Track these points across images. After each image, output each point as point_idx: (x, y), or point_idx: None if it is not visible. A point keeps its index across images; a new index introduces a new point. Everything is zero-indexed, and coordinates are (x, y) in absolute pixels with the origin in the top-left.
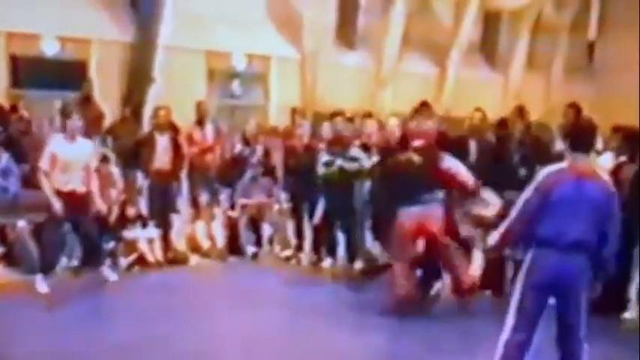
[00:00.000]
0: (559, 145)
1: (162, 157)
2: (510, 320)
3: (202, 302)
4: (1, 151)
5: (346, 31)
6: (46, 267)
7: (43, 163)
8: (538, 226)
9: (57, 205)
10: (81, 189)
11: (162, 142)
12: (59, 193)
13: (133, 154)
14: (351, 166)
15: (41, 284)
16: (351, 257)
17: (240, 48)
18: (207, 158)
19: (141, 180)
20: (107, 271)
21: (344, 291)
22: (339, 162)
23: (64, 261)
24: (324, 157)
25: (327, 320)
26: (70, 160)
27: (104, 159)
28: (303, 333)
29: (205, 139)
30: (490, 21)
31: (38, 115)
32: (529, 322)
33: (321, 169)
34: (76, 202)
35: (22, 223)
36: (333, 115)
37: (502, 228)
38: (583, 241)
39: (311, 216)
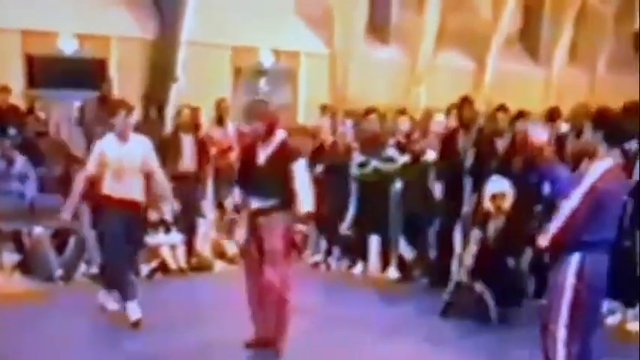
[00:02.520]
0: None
1: (187, 158)
2: (562, 332)
3: (226, 311)
4: (17, 155)
5: (379, 25)
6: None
7: (90, 166)
8: (593, 228)
9: (65, 214)
10: (135, 196)
11: (187, 142)
12: (109, 200)
13: (159, 156)
14: (386, 166)
15: (133, 310)
16: (385, 263)
17: (267, 43)
18: (231, 159)
19: None
20: (104, 297)
21: (376, 299)
22: (373, 163)
23: (83, 267)
24: (358, 158)
25: (357, 329)
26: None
27: None
28: (331, 342)
29: (226, 138)
30: (531, 11)
31: (55, 116)
32: (587, 330)
33: (354, 171)
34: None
35: (39, 230)
36: (366, 113)
37: (554, 228)
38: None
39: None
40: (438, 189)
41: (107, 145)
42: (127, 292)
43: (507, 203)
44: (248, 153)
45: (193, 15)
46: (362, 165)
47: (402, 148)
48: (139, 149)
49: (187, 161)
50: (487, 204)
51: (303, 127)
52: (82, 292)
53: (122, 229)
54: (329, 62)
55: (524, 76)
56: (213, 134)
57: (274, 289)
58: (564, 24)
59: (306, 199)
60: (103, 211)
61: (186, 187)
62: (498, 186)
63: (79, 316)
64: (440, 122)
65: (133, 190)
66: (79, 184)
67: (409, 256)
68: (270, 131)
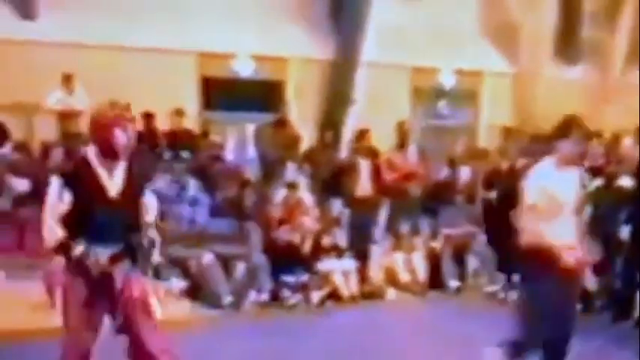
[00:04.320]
0: None
1: (364, 183)
2: None
3: (398, 342)
4: (190, 179)
5: (568, 43)
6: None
7: (529, 210)
8: None
9: None
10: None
11: (365, 167)
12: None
13: (334, 181)
14: None
15: None
16: None
17: (448, 63)
18: (410, 184)
19: (339, 208)
20: None
21: None
22: None
23: (253, 295)
24: None
25: None
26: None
27: (291, 186)
28: None
29: (407, 163)
30: None
31: (230, 139)
32: None
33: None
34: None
35: (209, 256)
36: None
37: None
38: None
39: None
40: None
41: (546, 175)
42: None
43: None
44: (90, 182)
45: (373, 35)
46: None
47: (594, 172)
48: (575, 180)
49: (364, 186)
50: None
51: (484, 150)
52: (250, 320)
53: (568, 289)
54: (513, 82)
55: None
56: (394, 159)
57: None
58: None
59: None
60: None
61: (362, 212)
62: None
63: (247, 344)
64: (629, 146)
65: (571, 235)
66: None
67: (592, 286)
68: (109, 149)
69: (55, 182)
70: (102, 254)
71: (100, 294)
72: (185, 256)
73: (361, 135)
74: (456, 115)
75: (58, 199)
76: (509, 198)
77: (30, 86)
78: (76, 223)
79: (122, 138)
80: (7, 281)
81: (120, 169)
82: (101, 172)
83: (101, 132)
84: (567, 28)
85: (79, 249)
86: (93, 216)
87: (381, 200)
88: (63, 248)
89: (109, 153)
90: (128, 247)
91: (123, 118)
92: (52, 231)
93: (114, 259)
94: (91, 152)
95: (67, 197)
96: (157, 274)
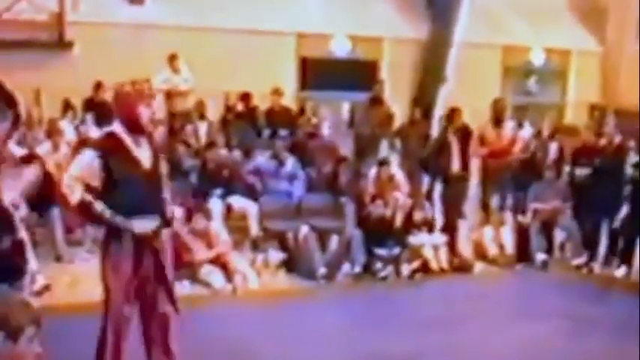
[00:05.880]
0: None
1: (456, 160)
2: None
3: (485, 313)
4: (287, 156)
5: None
6: None
7: None
8: None
9: None
10: None
11: (454, 143)
12: None
13: (433, 158)
14: None
15: None
16: None
17: (539, 42)
18: (503, 160)
19: (435, 184)
20: None
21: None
22: None
23: (346, 267)
24: (634, 158)
25: (616, 338)
26: None
27: (383, 163)
28: (588, 350)
29: (501, 139)
30: None
31: (326, 117)
32: None
33: (629, 170)
34: None
35: (305, 229)
36: None
37: None
38: None
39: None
40: None
41: None
42: None
43: None
44: (125, 156)
45: (466, 15)
46: (637, 165)
47: None
48: None
49: (456, 163)
50: None
51: (572, 126)
52: (343, 291)
53: None
54: (600, 60)
55: None
56: (487, 135)
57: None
58: None
59: None
60: None
61: (454, 188)
62: None
63: (339, 313)
64: None
65: None
66: None
67: None
68: (135, 125)
69: (88, 152)
70: (141, 225)
71: (140, 265)
72: (282, 228)
73: (452, 114)
74: (544, 92)
75: (87, 166)
76: (607, 173)
77: (138, 68)
78: (114, 196)
79: (146, 113)
80: None
81: (145, 143)
82: (132, 145)
83: (126, 109)
84: None
85: (107, 212)
86: (130, 188)
87: (469, 175)
88: (87, 208)
89: (135, 128)
90: (163, 219)
91: (145, 94)
92: (71, 188)
93: (156, 231)
94: (118, 127)
95: (97, 165)
96: (255, 246)
